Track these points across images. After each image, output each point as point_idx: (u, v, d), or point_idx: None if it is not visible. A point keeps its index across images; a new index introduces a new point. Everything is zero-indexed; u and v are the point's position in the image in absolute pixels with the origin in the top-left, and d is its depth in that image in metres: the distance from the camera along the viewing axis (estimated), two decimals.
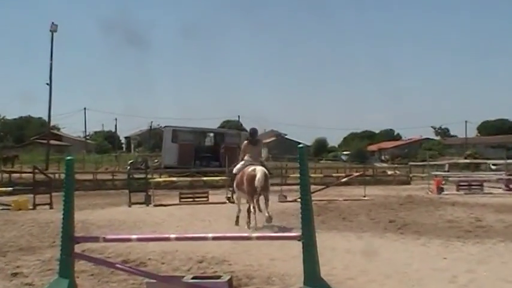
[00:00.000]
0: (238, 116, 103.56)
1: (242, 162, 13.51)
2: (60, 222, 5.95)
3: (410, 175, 38.62)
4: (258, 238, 5.71)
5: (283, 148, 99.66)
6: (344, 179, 24.23)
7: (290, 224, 13.37)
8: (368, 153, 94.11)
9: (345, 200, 21.06)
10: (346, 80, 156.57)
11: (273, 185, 30.13)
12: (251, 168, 12.92)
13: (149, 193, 20.48)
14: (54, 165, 45.24)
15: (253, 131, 14.20)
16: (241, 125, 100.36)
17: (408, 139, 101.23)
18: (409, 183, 35.15)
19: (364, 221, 14.55)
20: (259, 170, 12.69)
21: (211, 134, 44.68)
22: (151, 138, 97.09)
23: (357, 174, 26.74)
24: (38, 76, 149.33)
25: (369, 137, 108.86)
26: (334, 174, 31.73)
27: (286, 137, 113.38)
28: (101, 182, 33.58)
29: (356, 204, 19.15)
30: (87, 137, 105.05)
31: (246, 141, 13.79)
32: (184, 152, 38.80)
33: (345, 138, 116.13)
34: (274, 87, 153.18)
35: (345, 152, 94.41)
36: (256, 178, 12.50)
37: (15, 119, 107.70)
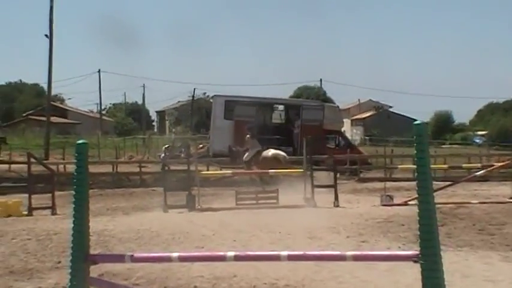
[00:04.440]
0: (320, 80, 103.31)
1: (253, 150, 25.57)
2: (69, 234, 6.01)
3: None
4: (355, 258, 5.57)
5: (386, 126, 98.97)
6: (480, 173, 23.85)
7: (400, 238, 13.31)
8: None
9: (481, 203, 20.73)
10: (478, 25, 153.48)
11: (373, 180, 30.34)
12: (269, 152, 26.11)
13: (193, 192, 20.64)
14: (57, 152, 46.13)
15: (251, 126, 28.00)
16: (325, 93, 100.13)
17: None
18: None
19: None
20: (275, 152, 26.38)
21: (282, 107, 44.66)
22: (195, 114, 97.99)
23: (500, 164, 26.24)
24: (34, 25, 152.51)
25: None
26: (464, 165, 31.26)
27: (391, 110, 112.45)
28: (124, 176, 34.12)
29: (499, 210, 18.83)
30: (103, 112, 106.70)
31: (248, 136, 27.22)
32: (243, 132, 38.92)
33: (479, 112, 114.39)
34: (370, 39, 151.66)
35: (480, 132, 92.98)
36: (281, 157, 26.12)
37: (1, 86, 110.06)
